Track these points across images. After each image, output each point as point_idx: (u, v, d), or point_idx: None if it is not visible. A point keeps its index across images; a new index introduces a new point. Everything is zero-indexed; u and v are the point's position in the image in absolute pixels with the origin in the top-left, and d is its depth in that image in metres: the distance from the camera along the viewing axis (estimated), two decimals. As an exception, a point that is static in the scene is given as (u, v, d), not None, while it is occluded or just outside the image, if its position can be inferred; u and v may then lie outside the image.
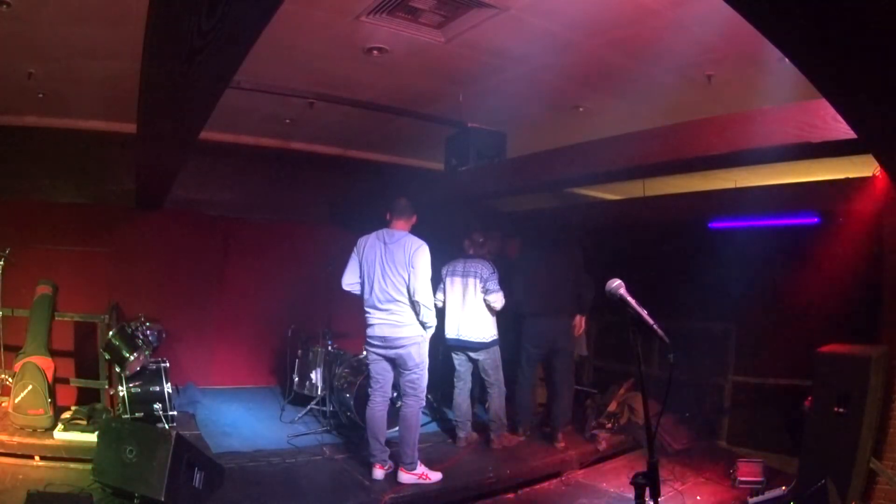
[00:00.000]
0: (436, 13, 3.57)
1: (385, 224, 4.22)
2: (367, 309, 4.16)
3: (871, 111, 2.21)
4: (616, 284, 2.20)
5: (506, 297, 4.99)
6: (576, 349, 5.74)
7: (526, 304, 5.21)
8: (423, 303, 4.01)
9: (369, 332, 4.15)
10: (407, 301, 4.04)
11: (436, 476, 4.20)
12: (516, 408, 5.30)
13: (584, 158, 4.41)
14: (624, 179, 5.22)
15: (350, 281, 4.21)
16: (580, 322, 5.32)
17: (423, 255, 4.04)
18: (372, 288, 4.09)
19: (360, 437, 4.68)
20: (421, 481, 4.11)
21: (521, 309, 5.23)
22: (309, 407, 5.59)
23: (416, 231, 4.28)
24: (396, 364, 4.16)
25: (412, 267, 4.00)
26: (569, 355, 5.30)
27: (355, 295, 4.23)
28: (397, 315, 4.06)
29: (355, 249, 4.23)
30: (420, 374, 4.14)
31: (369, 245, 4.16)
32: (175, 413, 4.77)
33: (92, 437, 4.06)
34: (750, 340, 5.64)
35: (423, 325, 4.09)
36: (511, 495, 4.46)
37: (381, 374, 4.21)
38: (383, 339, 4.10)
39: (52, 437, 4.25)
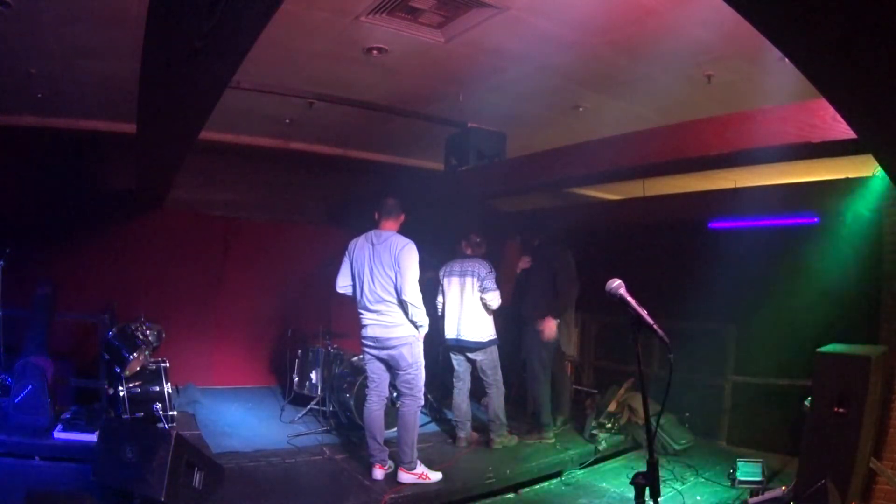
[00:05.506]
0: (436, 13, 3.57)
1: (375, 225, 4.23)
2: (359, 310, 4.18)
3: (871, 111, 2.21)
4: (616, 284, 2.20)
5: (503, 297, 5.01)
6: (566, 348, 5.75)
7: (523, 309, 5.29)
8: (412, 302, 4.00)
9: (363, 332, 4.17)
10: (396, 301, 4.05)
11: (436, 476, 4.20)
12: (540, 408, 5.25)
13: (584, 158, 4.42)
14: (624, 179, 5.22)
15: (343, 284, 4.24)
16: (549, 325, 5.12)
17: (408, 253, 4.04)
18: (362, 289, 4.11)
19: (360, 437, 4.68)
20: (421, 481, 4.11)
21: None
22: (309, 407, 5.59)
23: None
24: (390, 365, 4.16)
25: (398, 266, 4.00)
26: (535, 361, 5.26)
27: (350, 297, 4.26)
28: (387, 315, 4.06)
29: (346, 252, 4.26)
30: (415, 373, 4.14)
31: (358, 247, 4.19)
32: (175, 413, 4.77)
33: (92, 437, 4.06)
34: (750, 340, 5.64)
35: (414, 324, 4.09)
36: (511, 495, 4.46)
37: (377, 373, 4.22)
38: (375, 339, 4.11)
39: (51, 437, 4.25)
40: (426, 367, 4.28)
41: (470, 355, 5.03)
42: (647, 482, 2.09)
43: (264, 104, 5.21)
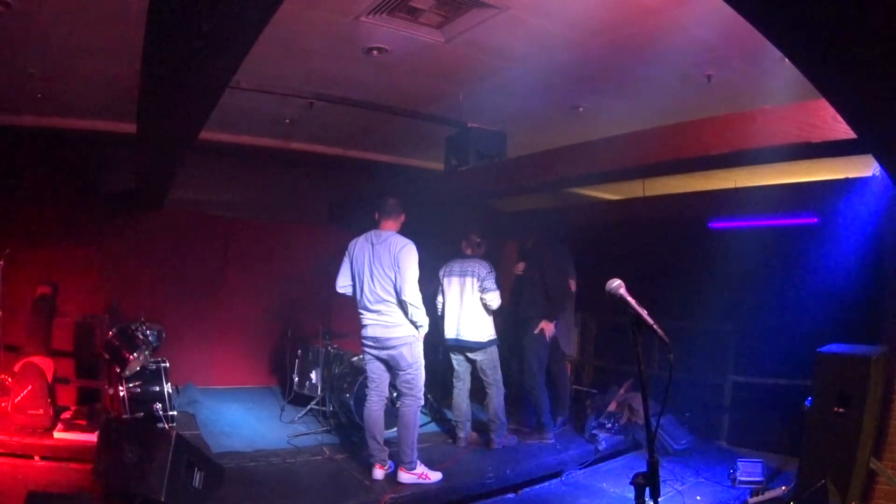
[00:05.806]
0: (436, 13, 3.56)
1: (375, 225, 4.23)
2: (359, 310, 4.18)
3: (870, 111, 2.21)
4: (616, 284, 2.20)
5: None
6: (566, 348, 5.75)
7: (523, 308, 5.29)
8: (411, 302, 4.00)
9: (363, 332, 4.18)
10: (396, 301, 4.05)
11: (436, 476, 4.20)
12: (539, 408, 5.22)
13: (584, 158, 4.41)
14: (624, 179, 5.22)
15: (343, 284, 4.24)
16: (546, 328, 5.15)
17: (408, 254, 4.04)
18: (362, 289, 4.11)
19: (360, 437, 4.68)
20: (421, 481, 4.11)
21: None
22: (309, 407, 5.59)
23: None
24: (390, 365, 4.16)
25: (397, 266, 4.00)
26: (533, 361, 5.24)
27: (350, 296, 4.26)
28: (387, 315, 4.06)
29: (346, 252, 4.26)
30: (415, 374, 4.14)
31: (358, 247, 4.19)
32: (175, 413, 4.77)
33: (92, 437, 4.06)
34: (750, 340, 5.63)
35: (413, 324, 4.09)
36: (511, 495, 4.46)
37: (377, 373, 4.22)
38: (375, 339, 4.11)
39: (52, 437, 4.25)
40: (426, 367, 4.28)
41: (470, 355, 5.03)
42: (647, 482, 2.08)
43: (264, 104, 5.20)
